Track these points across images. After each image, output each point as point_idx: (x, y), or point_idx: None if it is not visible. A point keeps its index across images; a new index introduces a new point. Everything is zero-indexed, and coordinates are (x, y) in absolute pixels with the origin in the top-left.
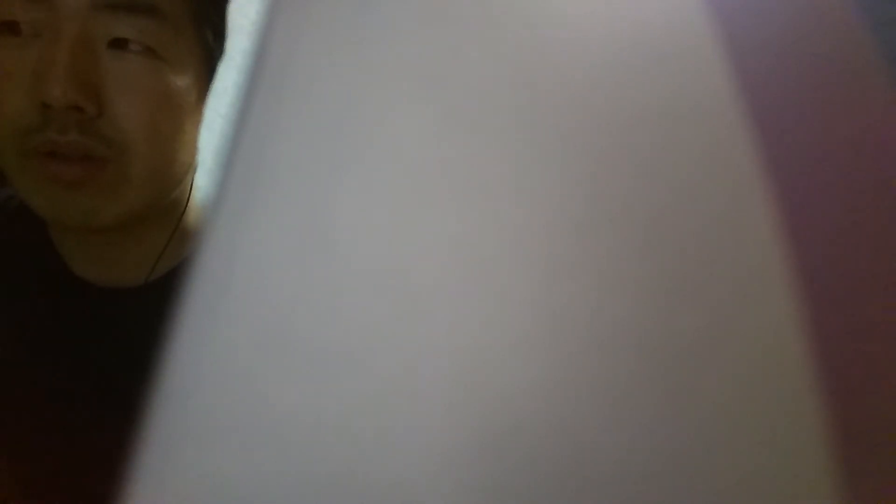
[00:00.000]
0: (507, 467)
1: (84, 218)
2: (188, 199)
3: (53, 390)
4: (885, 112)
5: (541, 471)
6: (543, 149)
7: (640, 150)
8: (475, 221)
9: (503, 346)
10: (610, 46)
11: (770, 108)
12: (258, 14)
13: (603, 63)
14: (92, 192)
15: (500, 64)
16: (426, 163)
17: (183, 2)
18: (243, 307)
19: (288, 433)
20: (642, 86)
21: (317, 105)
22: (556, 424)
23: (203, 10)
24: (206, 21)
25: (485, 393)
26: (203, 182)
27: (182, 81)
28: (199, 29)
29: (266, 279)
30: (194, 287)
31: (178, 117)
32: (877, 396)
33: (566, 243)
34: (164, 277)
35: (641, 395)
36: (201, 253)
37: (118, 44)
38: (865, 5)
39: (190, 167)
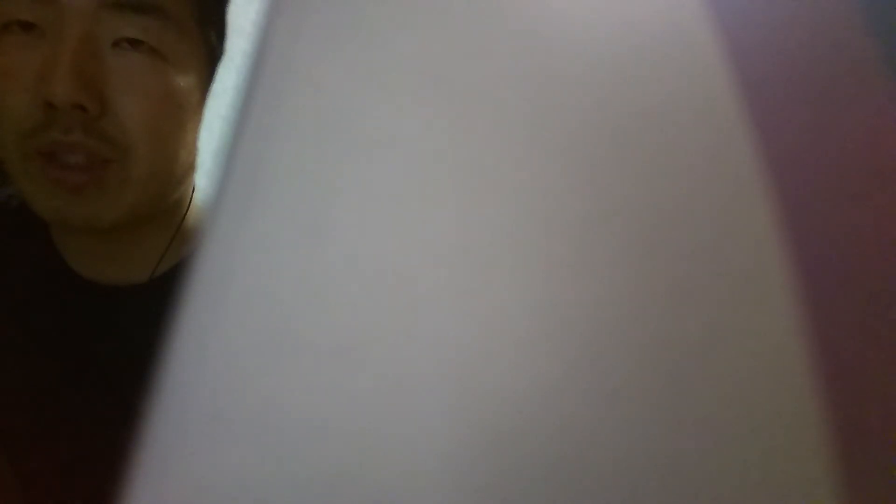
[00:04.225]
0: (506, 467)
1: (86, 221)
2: (189, 200)
3: (54, 389)
4: (885, 112)
5: (540, 471)
6: (544, 149)
7: (641, 150)
8: (475, 221)
9: (504, 346)
10: (610, 46)
11: (770, 109)
12: (258, 15)
13: (603, 63)
14: (95, 196)
15: (501, 64)
16: (426, 162)
17: (187, 2)
18: (243, 306)
19: (287, 432)
20: (643, 86)
21: (316, 106)
22: (555, 424)
23: (206, 10)
24: (209, 22)
25: (485, 392)
26: (203, 183)
27: (185, 82)
28: (202, 29)
29: (266, 278)
30: (195, 286)
31: (180, 117)
32: (877, 396)
33: (566, 243)
34: (165, 276)
35: (641, 396)
36: (202, 252)
37: (123, 44)
38: (865, 6)
39: (190, 168)
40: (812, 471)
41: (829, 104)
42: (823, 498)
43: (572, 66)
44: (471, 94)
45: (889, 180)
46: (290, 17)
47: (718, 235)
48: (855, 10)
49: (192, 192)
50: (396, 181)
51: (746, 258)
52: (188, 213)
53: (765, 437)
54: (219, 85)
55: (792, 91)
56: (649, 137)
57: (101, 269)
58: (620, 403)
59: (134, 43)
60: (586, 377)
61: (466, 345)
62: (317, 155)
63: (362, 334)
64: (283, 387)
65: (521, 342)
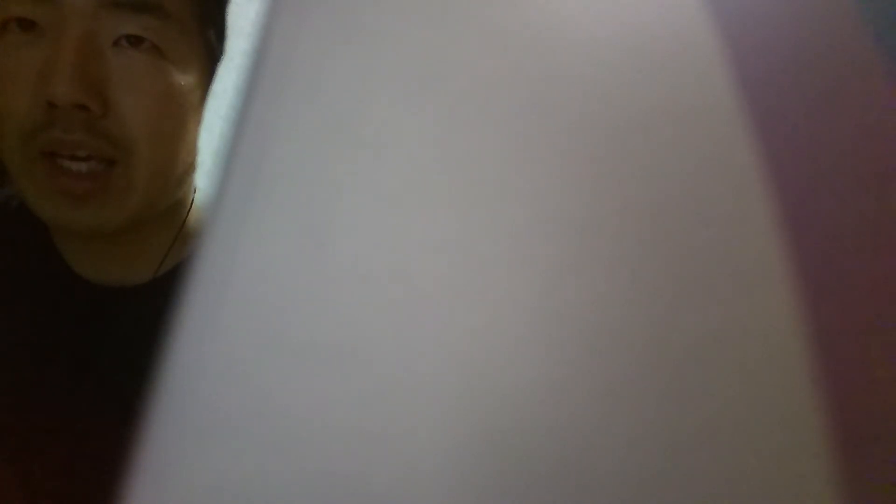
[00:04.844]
0: (506, 467)
1: (90, 229)
2: (191, 200)
3: (54, 390)
4: (885, 112)
5: (541, 471)
6: (544, 150)
7: (641, 150)
8: (475, 221)
9: (504, 346)
10: (611, 48)
11: (770, 109)
12: (257, 15)
13: (604, 64)
14: (99, 204)
15: (501, 65)
16: (426, 163)
17: (187, 2)
18: (244, 307)
19: (287, 432)
20: (643, 87)
21: (316, 106)
22: (556, 424)
23: (207, 10)
24: (209, 21)
25: (485, 392)
26: (203, 183)
27: (186, 81)
28: (202, 29)
29: (266, 278)
30: (195, 286)
31: (181, 117)
32: (877, 396)
33: (567, 244)
34: (165, 277)
35: (641, 396)
36: (202, 253)
37: (123, 42)
38: (865, 5)
39: (191, 168)
40: (812, 471)
41: (828, 104)
42: (823, 498)
43: (572, 66)
44: (471, 95)
45: (889, 180)
46: (290, 17)
47: (718, 235)
48: (854, 10)
49: (194, 192)
50: (396, 181)
51: (746, 258)
52: (189, 213)
53: (765, 437)
54: (219, 85)
55: (792, 91)
56: (649, 137)
57: (102, 269)
58: (621, 403)
59: (134, 41)
60: (587, 377)
61: (467, 344)
62: (317, 155)
63: (362, 334)
64: (283, 387)
65: (522, 342)
